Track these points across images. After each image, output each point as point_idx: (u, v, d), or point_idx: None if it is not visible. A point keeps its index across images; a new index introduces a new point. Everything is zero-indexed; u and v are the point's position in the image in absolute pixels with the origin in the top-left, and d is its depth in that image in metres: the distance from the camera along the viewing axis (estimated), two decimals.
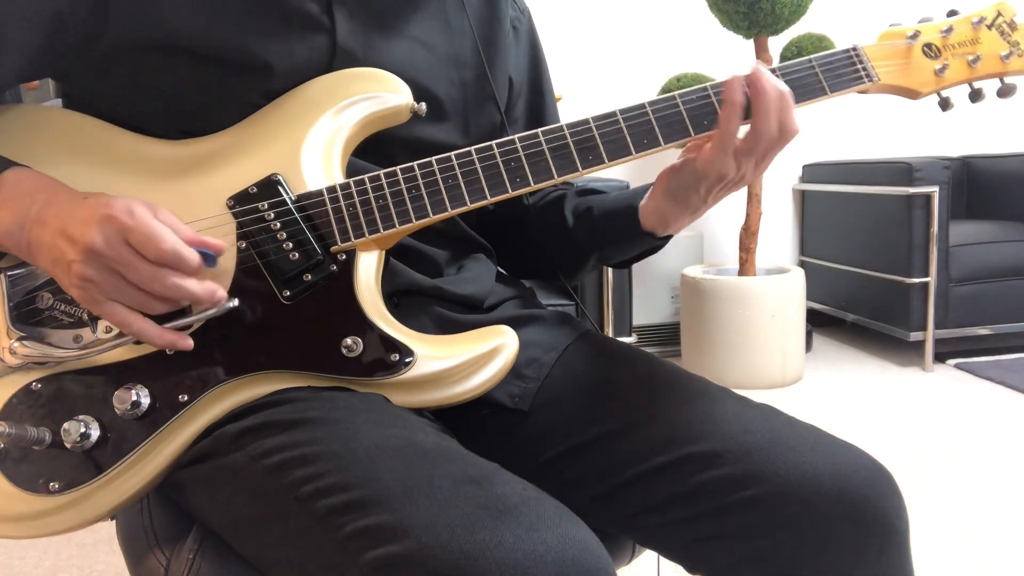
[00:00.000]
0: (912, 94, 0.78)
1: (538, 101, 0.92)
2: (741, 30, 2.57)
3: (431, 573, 0.49)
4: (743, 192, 2.73)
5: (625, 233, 0.81)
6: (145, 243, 0.59)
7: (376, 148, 0.74)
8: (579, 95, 2.98)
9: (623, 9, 3.10)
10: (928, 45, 0.78)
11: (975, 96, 0.79)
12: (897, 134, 3.38)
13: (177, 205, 0.67)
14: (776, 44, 2.66)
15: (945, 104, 0.79)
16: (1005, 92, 0.78)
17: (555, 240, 0.88)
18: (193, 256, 0.61)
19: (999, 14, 0.78)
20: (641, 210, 0.79)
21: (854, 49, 0.76)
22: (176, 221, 0.62)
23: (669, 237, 0.81)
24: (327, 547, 0.54)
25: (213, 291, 0.63)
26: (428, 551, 0.49)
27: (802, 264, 3.36)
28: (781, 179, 3.35)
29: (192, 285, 0.61)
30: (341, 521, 0.53)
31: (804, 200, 3.38)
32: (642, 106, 0.72)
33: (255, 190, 0.68)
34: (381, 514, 0.52)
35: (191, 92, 0.69)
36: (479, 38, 0.83)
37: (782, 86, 0.69)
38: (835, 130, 3.33)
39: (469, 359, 0.68)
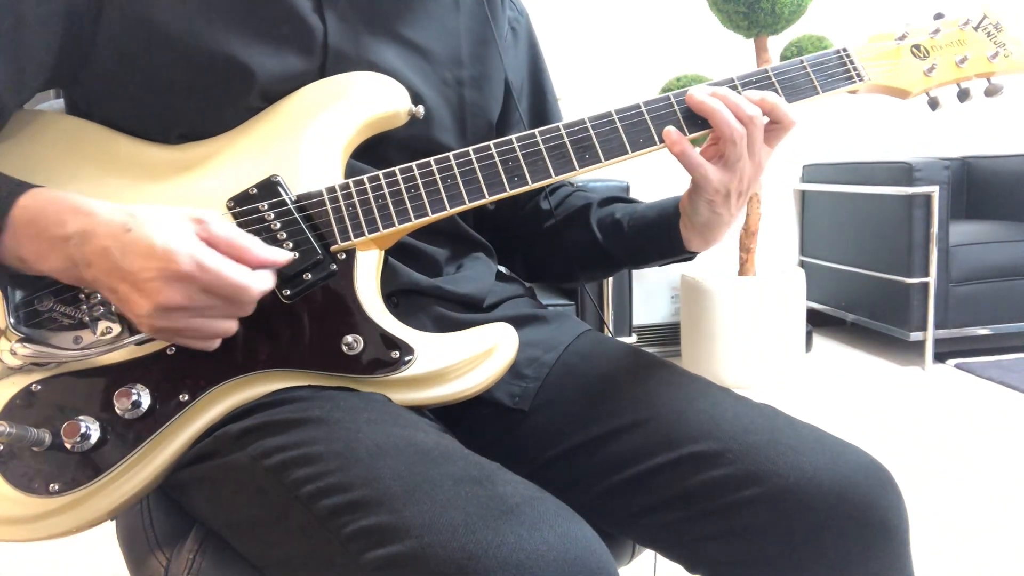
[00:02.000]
0: (902, 94, 0.79)
1: (541, 102, 0.93)
2: (741, 30, 2.57)
3: (433, 573, 0.49)
4: None
5: (667, 252, 0.83)
6: (233, 296, 0.59)
7: (373, 151, 0.74)
8: (579, 96, 2.99)
9: (623, 9, 3.10)
10: (916, 46, 0.79)
11: (963, 96, 0.80)
12: (897, 134, 3.39)
13: (177, 206, 0.67)
14: (776, 44, 2.66)
15: (934, 104, 0.81)
16: (992, 92, 0.79)
17: (584, 253, 0.89)
18: (271, 281, 0.62)
19: (985, 16, 0.80)
20: (683, 235, 0.79)
21: (844, 50, 0.78)
22: (237, 236, 0.61)
23: None
24: (328, 547, 0.54)
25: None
26: (430, 551, 0.49)
27: (802, 264, 3.36)
28: (781, 179, 3.35)
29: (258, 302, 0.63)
30: (342, 521, 0.53)
31: (804, 200, 3.38)
32: (637, 106, 0.73)
33: (255, 191, 0.68)
34: (383, 514, 0.52)
35: (187, 96, 0.70)
36: (474, 39, 0.83)
37: (720, 91, 0.71)
38: (835, 130, 3.33)
39: (469, 356, 0.68)
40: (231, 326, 0.62)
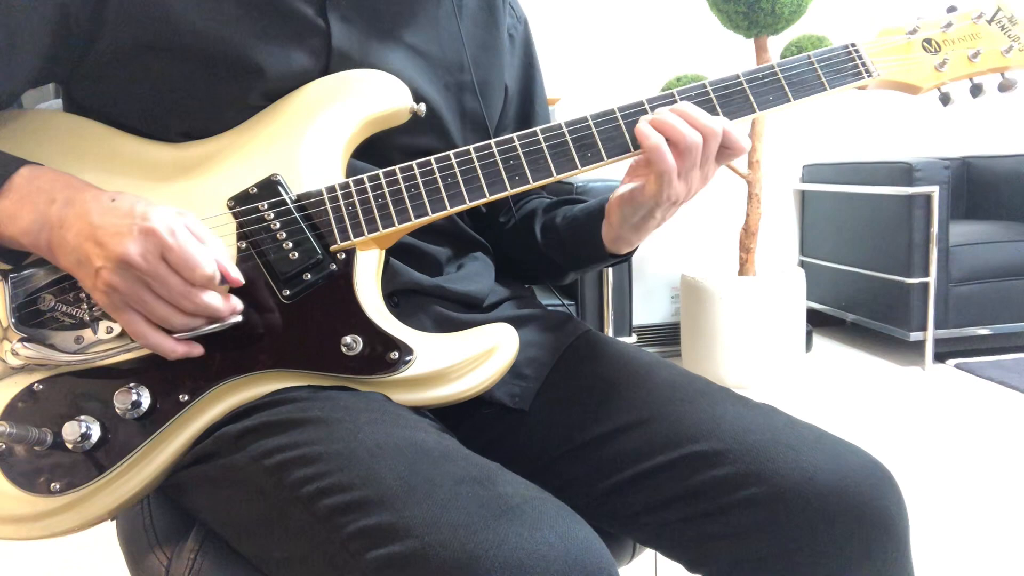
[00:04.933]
0: (912, 89, 0.78)
1: (528, 109, 0.92)
2: (741, 30, 2.57)
3: (433, 573, 0.49)
4: (743, 192, 2.74)
5: (593, 255, 0.82)
6: (184, 266, 0.60)
7: (373, 151, 0.74)
8: (579, 96, 2.99)
9: (623, 9, 3.10)
10: (928, 40, 0.78)
11: (976, 91, 0.79)
12: (897, 134, 3.38)
13: (178, 206, 0.67)
14: (776, 44, 2.66)
15: (946, 99, 0.79)
16: (1006, 86, 0.78)
17: (530, 257, 0.89)
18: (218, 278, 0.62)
19: (999, 9, 0.78)
20: (603, 237, 0.79)
21: (853, 45, 0.76)
22: (208, 235, 0.63)
23: (635, 250, 0.82)
24: (329, 547, 0.54)
25: (234, 307, 0.64)
26: (430, 551, 0.49)
27: (802, 264, 3.36)
28: (781, 179, 3.35)
29: (218, 302, 0.63)
30: (343, 521, 0.53)
31: (804, 200, 3.38)
32: (640, 103, 0.72)
33: (255, 190, 0.68)
34: (383, 514, 0.52)
35: (190, 94, 0.70)
36: (476, 44, 0.83)
37: (678, 107, 0.70)
38: (835, 130, 3.33)
39: (469, 357, 0.68)
40: (173, 318, 0.62)
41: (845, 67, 0.75)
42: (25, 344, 0.64)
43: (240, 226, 0.67)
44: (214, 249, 0.62)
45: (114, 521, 0.75)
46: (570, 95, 2.92)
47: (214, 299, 0.62)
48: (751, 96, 0.73)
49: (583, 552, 0.52)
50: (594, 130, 0.71)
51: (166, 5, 0.68)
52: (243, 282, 0.65)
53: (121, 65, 0.69)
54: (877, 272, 2.90)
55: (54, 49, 0.68)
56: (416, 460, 0.56)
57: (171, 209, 0.62)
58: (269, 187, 0.68)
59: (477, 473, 0.56)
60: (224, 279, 0.63)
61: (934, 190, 2.67)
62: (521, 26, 0.92)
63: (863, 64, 0.76)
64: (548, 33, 2.97)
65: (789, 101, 0.74)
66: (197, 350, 0.64)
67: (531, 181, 0.70)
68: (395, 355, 0.66)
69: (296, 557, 0.57)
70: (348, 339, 0.65)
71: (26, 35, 0.66)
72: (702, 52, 3.04)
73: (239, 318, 0.65)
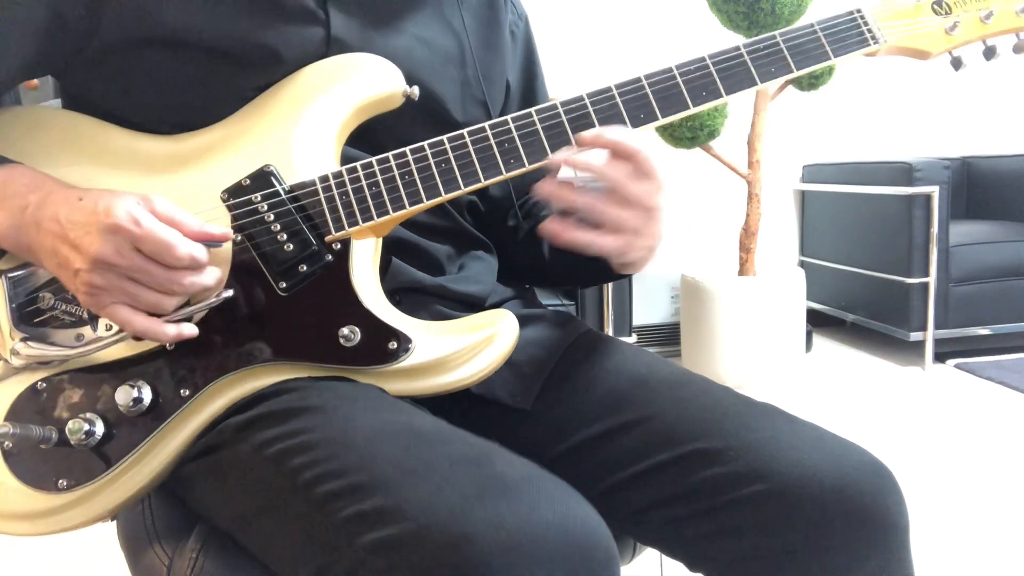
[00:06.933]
0: (922, 55, 0.75)
1: (531, 106, 0.92)
2: (741, 30, 2.57)
3: (428, 554, 0.48)
4: (743, 192, 2.74)
5: (602, 275, 0.81)
6: (159, 252, 0.60)
7: (372, 141, 0.74)
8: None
9: (622, 9, 3.10)
10: (937, 2, 0.75)
11: (989, 53, 0.76)
12: (897, 134, 3.39)
13: (172, 199, 0.67)
14: None
15: (957, 63, 0.76)
16: (1021, 47, 0.75)
17: (538, 270, 0.89)
18: (203, 253, 0.62)
19: None
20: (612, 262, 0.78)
21: (858, 11, 0.73)
22: (176, 212, 0.63)
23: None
24: (325, 532, 0.54)
25: (221, 279, 0.64)
26: (425, 532, 0.49)
27: (802, 264, 3.36)
28: (781, 179, 3.35)
29: (205, 279, 0.63)
30: (339, 505, 0.53)
31: (804, 200, 3.38)
32: (638, 79, 0.71)
33: (248, 182, 0.68)
34: (378, 497, 0.52)
35: (187, 86, 0.69)
36: (478, 39, 0.83)
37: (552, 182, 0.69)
38: (835, 130, 3.33)
39: (468, 344, 0.67)
40: (164, 302, 0.62)
41: (850, 34, 0.72)
42: (27, 343, 0.64)
43: (234, 219, 0.67)
44: (188, 221, 0.62)
45: (114, 521, 0.76)
46: (569, 95, 2.92)
47: (200, 277, 0.63)
48: (752, 68, 0.71)
49: (581, 530, 0.52)
50: (590, 108, 0.70)
51: (162, 0, 0.68)
52: (232, 236, 0.65)
53: (117, 58, 0.69)
54: (877, 272, 2.90)
55: (48, 42, 0.68)
56: (412, 444, 0.56)
57: (133, 198, 0.61)
58: (262, 178, 0.68)
59: (473, 453, 0.56)
60: (209, 243, 0.63)
61: (934, 190, 2.67)
62: (522, 23, 0.92)
63: (869, 30, 0.73)
64: (548, 33, 2.97)
65: (792, 71, 0.71)
66: (190, 330, 0.64)
67: (527, 164, 0.69)
68: (394, 344, 0.66)
69: (293, 544, 0.57)
70: (346, 330, 0.65)
71: (18, 26, 0.66)
72: (702, 52, 3.03)
73: (230, 292, 0.65)
